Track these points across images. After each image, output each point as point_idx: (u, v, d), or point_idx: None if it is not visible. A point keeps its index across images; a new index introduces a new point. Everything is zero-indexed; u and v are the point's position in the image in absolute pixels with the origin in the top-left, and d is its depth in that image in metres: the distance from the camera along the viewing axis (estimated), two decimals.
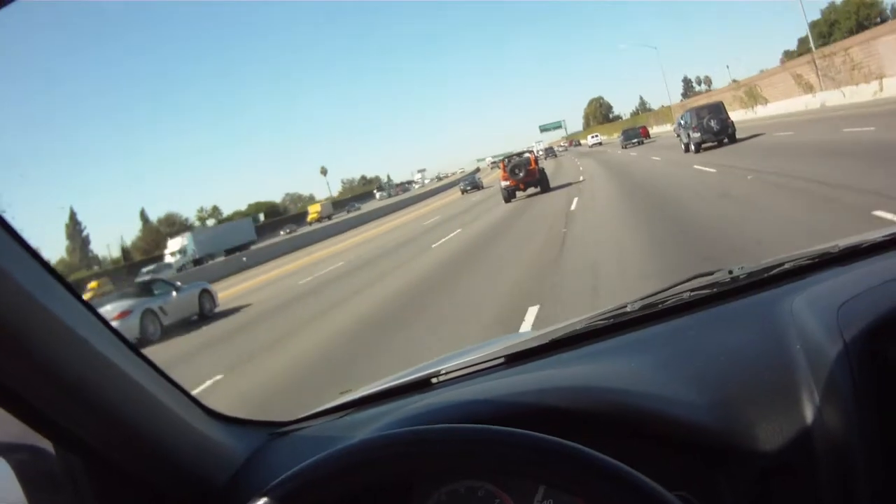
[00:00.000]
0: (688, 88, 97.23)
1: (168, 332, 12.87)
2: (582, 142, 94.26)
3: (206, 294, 14.86)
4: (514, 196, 23.93)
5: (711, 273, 1.31)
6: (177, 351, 11.17)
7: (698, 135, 21.68)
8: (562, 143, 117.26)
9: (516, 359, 1.20)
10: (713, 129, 21.39)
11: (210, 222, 78.21)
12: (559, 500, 0.90)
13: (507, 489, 0.92)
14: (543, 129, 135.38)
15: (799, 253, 1.26)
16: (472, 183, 49.29)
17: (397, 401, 1.16)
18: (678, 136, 38.68)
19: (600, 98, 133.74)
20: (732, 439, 0.85)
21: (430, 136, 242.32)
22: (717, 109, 22.12)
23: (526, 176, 23.42)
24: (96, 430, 0.79)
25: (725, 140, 21.64)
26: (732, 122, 22.06)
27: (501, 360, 1.21)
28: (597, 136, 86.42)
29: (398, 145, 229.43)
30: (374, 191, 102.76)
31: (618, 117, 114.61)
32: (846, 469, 0.78)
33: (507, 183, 23.85)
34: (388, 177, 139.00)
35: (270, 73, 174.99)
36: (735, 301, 1.15)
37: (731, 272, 1.26)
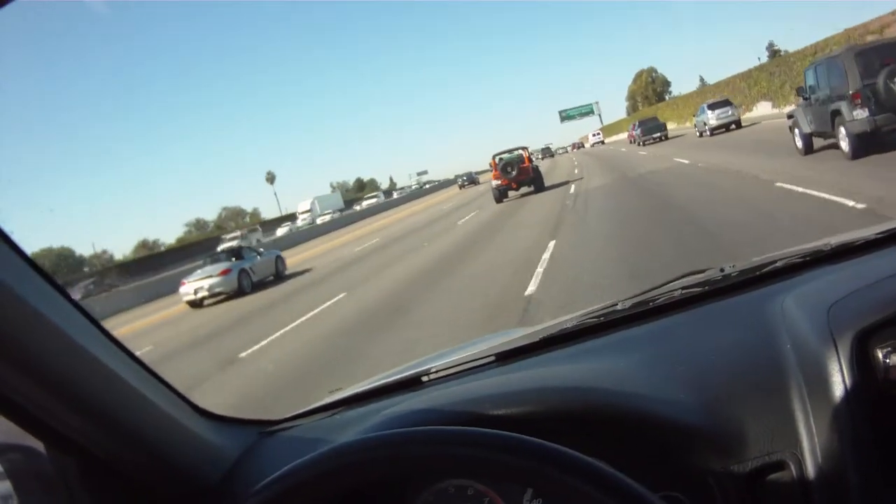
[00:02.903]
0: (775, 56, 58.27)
1: (256, 287, 16.58)
2: (585, 144, 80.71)
3: (280, 259, 18.49)
4: (507, 196, 22.81)
5: (703, 271, 1.31)
6: (276, 296, 14.44)
7: (864, 114, 9.10)
8: (565, 146, 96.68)
9: (507, 357, 1.21)
10: None
11: None
12: (549, 499, 0.92)
13: (496, 488, 0.94)
14: (566, 116, 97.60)
15: (791, 251, 1.25)
16: (469, 178, 59.86)
17: (387, 399, 1.18)
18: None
19: (652, 70, 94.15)
20: (723, 439, 0.85)
21: (441, 135, 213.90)
22: None
23: (518, 174, 22.16)
24: (87, 430, 0.80)
25: None
26: None
27: (492, 358, 1.22)
28: (598, 134, 78.28)
29: (403, 145, 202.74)
30: None
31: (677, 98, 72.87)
32: (837, 468, 0.79)
33: (499, 182, 22.58)
34: (391, 179, 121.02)
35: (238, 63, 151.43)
36: (726, 299, 1.14)
37: (722, 270, 1.26)
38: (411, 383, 1.24)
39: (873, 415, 0.80)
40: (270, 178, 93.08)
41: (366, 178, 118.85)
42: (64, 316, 0.78)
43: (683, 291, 1.21)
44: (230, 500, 0.85)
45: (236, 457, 1.04)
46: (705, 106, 27.31)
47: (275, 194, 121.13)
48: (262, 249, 19.06)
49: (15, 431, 0.79)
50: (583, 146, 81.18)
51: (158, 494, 0.90)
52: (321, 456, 0.72)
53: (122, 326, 16.68)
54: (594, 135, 78.50)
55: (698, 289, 1.21)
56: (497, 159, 22.80)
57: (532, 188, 22.85)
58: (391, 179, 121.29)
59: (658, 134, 35.99)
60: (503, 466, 0.68)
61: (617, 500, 0.63)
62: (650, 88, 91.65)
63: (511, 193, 23.01)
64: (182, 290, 16.42)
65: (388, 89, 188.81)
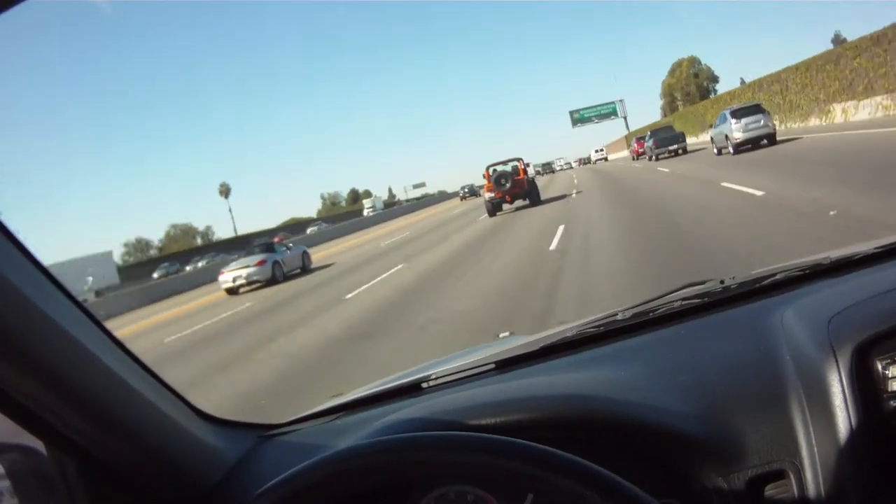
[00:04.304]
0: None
1: (286, 277, 18.73)
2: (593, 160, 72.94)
3: (306, 254, 20.95)
4: (500, 209, 22.08)
5: (703, 282, 1.30)
6: (310, 283, 16.04)
7: None
8: (569, 161, 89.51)
9: (507, 365, 1.21)
10: None
11: None
12: None
13: (496, 495, 0.94)
14: (579, 118, 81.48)
15: (791, 264, 1.25)
16: (471, 190, 61.66)
17: (387, 405, 1.18)
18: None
19: (694, 60, 76.02)
20: (723, 448, 0.86)
21: (444, 146, 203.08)
22: None
23: (513, 187, 21.48)
24: (87, 431, 0.81)
25: None
26: None
27: (492, 365, 1.22)
28: (602, 150, 73.08)
29: (404, 156, 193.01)
30: None
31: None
32: (836, 478, 0.79)
33: (492, 194, 21.86)
34: (390, 189, 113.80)
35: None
36: (726, 311, 1.14)
37: (722, 282, 1.26)
38: (411, 389, 1.25)
39: (873, 426, 0.80)
40: (225, 192, 77.48)
41: (361, 189, 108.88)
42: (65, 315, 0.78)
43: (683, 302, 1.21)
44: (227, 503, 0.85)
45: (235, 460, 1.04)
46: (727, 113, 19.92)
47: (229, 210, 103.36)
48: (290, 244, 21.59)
49: (15, 431, 0.79)
50: (590, 161, 75.36)
51: (157, 496, 0.91)
52: (323, 460, 0.73)
53: (181, 305, 18.86)
54: (597, 151, 74.78)
55: (698, 300, 1.21)
56: (491, 171, 22.05)
57: (527, 201, 22.24)
58: (390, 191, 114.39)
59: (675, 146, 29.30)
60: (503, 472, 0.68)
61: None
62: (692, 83, 73.36)
63: (505, 206, 22.41)
64: (221, 278, 18.72)
65: (387, 96, 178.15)
